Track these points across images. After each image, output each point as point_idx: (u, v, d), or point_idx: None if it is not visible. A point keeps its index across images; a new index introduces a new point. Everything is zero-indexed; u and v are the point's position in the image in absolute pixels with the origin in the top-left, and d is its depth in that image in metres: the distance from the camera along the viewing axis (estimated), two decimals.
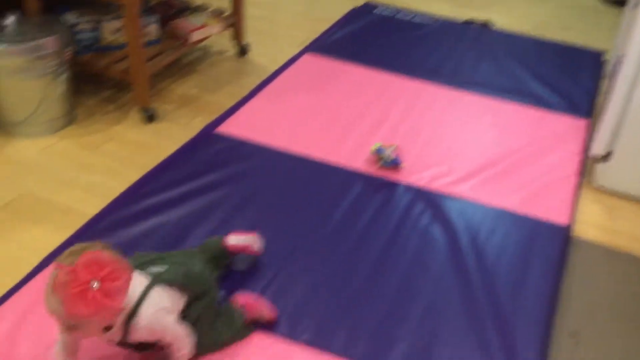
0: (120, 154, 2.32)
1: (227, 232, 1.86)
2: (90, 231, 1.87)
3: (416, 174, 2.19)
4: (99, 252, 1.22)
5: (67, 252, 1.25)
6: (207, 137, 2.35)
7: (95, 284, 1.17)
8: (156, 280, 1.38)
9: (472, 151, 2.35)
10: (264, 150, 2.28)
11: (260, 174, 2.17)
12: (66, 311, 1.19)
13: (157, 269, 1.42)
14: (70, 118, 2.46)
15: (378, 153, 2.20)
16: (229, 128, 2.39)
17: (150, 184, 2.10)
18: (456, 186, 2.14)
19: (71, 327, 1.25)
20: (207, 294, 1.48)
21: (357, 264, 1.80)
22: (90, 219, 1.92)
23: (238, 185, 2.10)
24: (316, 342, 1.54)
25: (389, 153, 2.19)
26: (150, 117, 2.49)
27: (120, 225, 1.90)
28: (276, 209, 2.01)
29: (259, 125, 2.42)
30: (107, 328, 1.28)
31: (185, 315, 1.43)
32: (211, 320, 1.49)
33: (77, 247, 1.26)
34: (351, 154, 2.28)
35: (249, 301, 1.57)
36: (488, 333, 1.60)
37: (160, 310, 1.34)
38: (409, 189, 2.12)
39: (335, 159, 2.25)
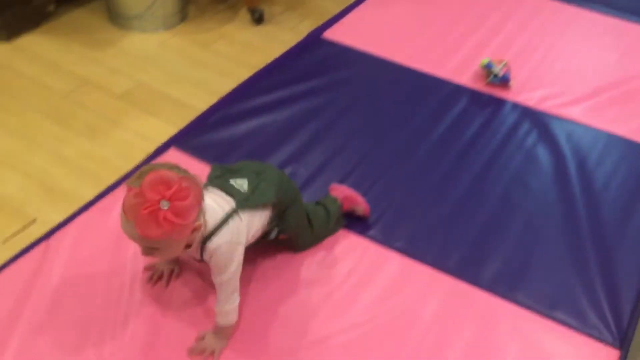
0: (229, 52, 2.38)
1: (331, 134, 1.92)
2: (199, 125, 1.96)
3: (525, 93, 2.12)
4: (164, 171, 1.16)
5: (137, 173, 1.19)
6: (314, 42, 2.35)
7: (165, 204, 1.13)
8: (241, 205, 1.33)
9: (588, 73, 2.23)
10: (369, 58, 2.27)
11: (365, 82, 2.17)
12: (140, 234, 1.14)
13: (239, 180, 1.37)
14: (182, 15, 2.53)
15: (487, 68, 2.13)
16: (335, 34, 2.37)
17: (259, 83, 2.15)
18: (567, 108, 2.05)
19: (150, 249, 1.21)
20: (296, 200, 1.49)
21: (457, 178, 1.80)
22: (201, 114, 2.00)
23: (343, 91, 2.11)
24: (409, 250, 1.58)
25: (498, 69, 2.11)
26: (258, 19, 2.52)
27: (228, 121, 1.97)
28: (379, 117, 2.02)
29: (366, 32, 2.39)
30: (187, 246, 1.25)
31: (281, 228, 1.45)
32: (305, 223, 1.52)
33: (147, 167, 1.20)
34: (458, 68, 2.22)
35: (345, 193, 1.62)
36: (587, 260, 1.58)
37: (234, 243, 1.29)
38: (516, 107, 2.06)
39: (441, 72, 2.20)
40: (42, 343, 1.34)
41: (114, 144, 1.94)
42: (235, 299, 1.33)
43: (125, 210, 1.16)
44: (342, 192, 1.63)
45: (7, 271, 1.48)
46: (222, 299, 1.32)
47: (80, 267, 1.48)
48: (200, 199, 1.20)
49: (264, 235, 1.44)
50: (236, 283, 1.32)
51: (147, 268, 1.47)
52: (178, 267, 1.48)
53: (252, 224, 1.35)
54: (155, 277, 1.45)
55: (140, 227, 1.13)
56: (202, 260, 1.31)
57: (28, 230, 1.66)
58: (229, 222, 1.29)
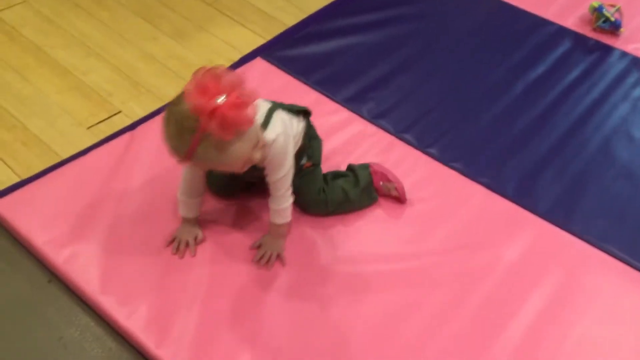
0: None
1: (419, 64, 1.84)
2: (287, 39, 1.91)
3: (636, 42, 1.96)
4: (220, 69, 1.09)
5: (193, 74, 1.11)
6: None
7: (223, 98, 1.05)
8: (276, 105, 1.29)
9: None
10: None
11: (459, 14, 2.06)
12: (205, 129, 1.06)
13: None
14: None
15: (597, 11, 1.98)
16: None
17: (348, 4, 2.07)
18: None
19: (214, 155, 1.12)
20: (318, 137, 1.43)
21: (554, 122, 1.69)
22: (290, 28, 1.95)
23: (436, 20, 2.01)
24: (497, 187, 1.51)
25: (611, 13, 1.96)
26: None
27: (315, 38, 1.91)
28: (472, 52, 1.91)
29: None
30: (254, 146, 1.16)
31: (308, 154, 1.39)
32: (323, 179, 1.43)
33: (202, 68, 1.11)
34: (564, 9, 2.07)
35: (379, 169, 1.47)
36: None
37: (287, 135, 1.25)
38: (625, 56, 1.91)
39: (544, 12, 2.06)
40: (123, 227, 1.35)
41: (200, 47, 1.91)
42: (291, 196, 1.30)
43: (192, 109, 1.07)
44: (377, 166, 1.48)
45: (92, 155, 1.50)
46: (279, 195, 1.29)
47: (161, 161, 1.47)
48: (254, 96, 1.11)
49: (297, 159, 1.35)
50: (290, 179, 1.28)
51: (169, 241, 1.35)
52: (201, 232, 1.36)
53: (291, 125, 1.31)
54: (183, 247, 1.33)
55: (204, 123, 1.05)
56: (256, 168, 1.23)
57: (112, 120, 1.66)
58: (274, 115, 1.25)
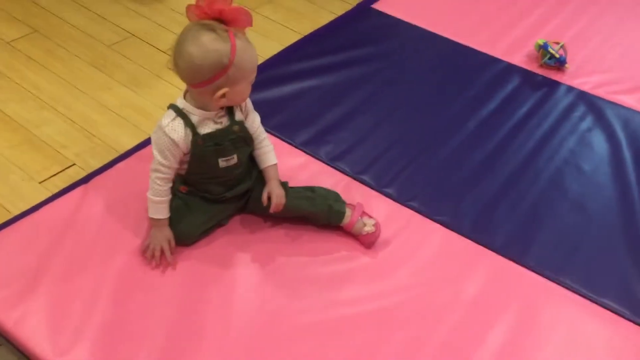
0: (276, 18, 2.33)
1: (374, 106, 1.87)
2: None
3: (581, 77, 2.03)
4: None
5: (206, 31, 1.24)
6: (363, 12, 2.29)
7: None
8: None
9: None
10: (419, 31, 2.20)
11: (412, 56, 2.11)
12: (232, 21, 1.25)
13: None
14: None
15: (542, 49, 2.05)
16: (385, 5, 2.30)
17: (305, 49, 2.10)
18: (625, 95, 1.96)
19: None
20: None
21: (506, 157, 1.73)
22: None
23: (389, 62, 2.05)
24: (454, 225, 1.52)
25: (555, 50, 2.03)
26: None
27: (272, 83, 1.93)
28: (425, 92, 1.95)
29: (417, 5, 2.32)
30: None
31: None
32: None
33: (199, 23, 1.26)
34: (512, 47, 2.14)
35: (359, 206, 1.48)
36: None
37: None
38: (571, 90, 1.97)
39: (493, 50, 2.13)
40: (73, 284, 1.32)
41: (156, 95, 1.91)
42: None
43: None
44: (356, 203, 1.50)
45: (44, 210, 1.46)
46: (265, 137, 1.45)
47: (116, 213, 1.46)
48: None
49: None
50: None
51: (143, 250, 1.37)
52: (172, 237, 1.37)
53: None
54: (158, 254, 1.35)
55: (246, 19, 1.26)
56: (234, 123, 1.36)
57: (66, 173, 1.64)
58: None
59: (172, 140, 1.30)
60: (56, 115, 1.82)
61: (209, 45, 1.23)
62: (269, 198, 1.40)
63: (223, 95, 1.28)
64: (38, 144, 1.72)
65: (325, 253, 1.44)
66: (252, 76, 1.32)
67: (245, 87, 1.33)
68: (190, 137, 1.32)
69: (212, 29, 1.25)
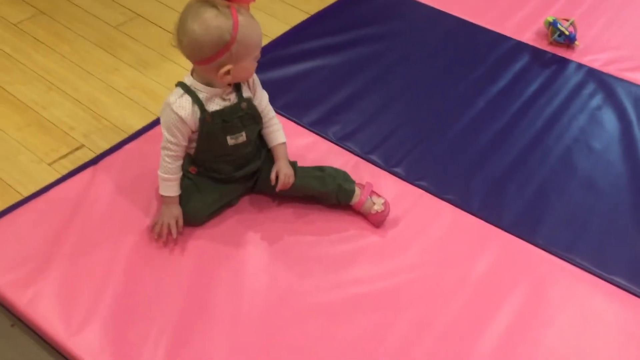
0: None
1: (383, 85, 1.86)
2: None
3: (591, 54, 2.01)
4: None
5: (209, 7, 1.24)
6: None
7: None
8: None
9: None
10: (427, 9, 2.18)
11: (421, 34, 2.09)
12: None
13: None
14: None
15: (552, 26, 2.03)
16: None
17: (311, 28, 2.09)
18: (636, 73, 1.95)
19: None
20: None
21: (515, 135, 1.72)
22: None
23: (397, 41, 2.04)
24: (463, 204, 1.52)
25: (565, 27, 2.01)
26: None
27: (280, 63, 1.92)
28: (434, 70, 1.94)
29: None
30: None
31: None
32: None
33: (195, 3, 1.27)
34: (521, 24, 2.12)
35: (368, 185, 1.48)
36: None
37: None
38: (581, 68, 1.96)
39: (501, 28, 2.11)
40: (84, 264, 1.33)
41: (164, 76, 1.90)
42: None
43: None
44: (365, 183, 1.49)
45: (54, 191, 1.47)
46: (273, 116, 1.45)
47: (126, 193, 1.46)
48: None
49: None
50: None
51: (151, 227, 1.38)
52: (181, 215, 1.38)
53: None
54: (165, 232, 1.36)
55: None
56: (242, 100, 1.36)
57: (75, 154, 1.64)
58: None
59: (180, 117, 1.30)
60: (64, 97, 1.82)
61: (211, 21, 1.23)
62: (277, 177, 1.41)
63: (227, 72, 1.27)
64: (47, 126, 1.72)
65: (335, 232, 1.44)
66: (257, 52, 1.31)
67: (250, 63, 1.31)
68: (198, 114, 1.32)
69: (214, 5, 1.24)
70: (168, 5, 2.21)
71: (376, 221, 1.45)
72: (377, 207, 1.44)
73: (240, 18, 1.24)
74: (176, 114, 1.30)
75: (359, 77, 1.88)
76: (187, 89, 1.32)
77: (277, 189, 1.41)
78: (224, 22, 1.23)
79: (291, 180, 1.41)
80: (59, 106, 1.79)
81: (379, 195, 1.46)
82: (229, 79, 1.29)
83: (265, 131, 1.44)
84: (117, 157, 1.57)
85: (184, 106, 1.31)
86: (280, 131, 1.45)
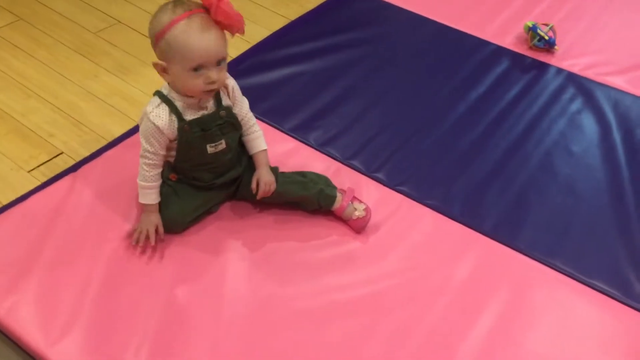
0: (263, 2, 2.31)
1: (363, 90, 1.86)
2: (231, 71, 1.88)
3: (570, 59, 2.03)
4: None
5: (168, 11, 1.24)
6: None
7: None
8: None
9: (638, 43, 2.13)
10: (408, 14, 2.19)
11: (401, 39, 2.10)
12: (230, 28, 1.24)
13: None
14: None
15: (532, 31, 2.05)
16: None
17: (292, 34, 2.09)
18: (614, 77, 1.97)
19: (219, 63, 1.26)
20: None
21: (496, 140, 1.73)
22: (233, 59, 1.95)
23: (378, 46, 2.04)
24: (444, 209, 1.52)
25: (544, 32, 2.03)
26: None
27: (260, 69, 1.92)
28: (414, 75, 1.95)
29: None
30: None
31: None
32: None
33: (169, 4, 1.26)
34: (501, 29, 2.14)
35: (350, 190, 1.48)
36: (632, 228, 1.51)
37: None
38: (561, 72, 1.98)
39: (481, 33, 2.12)
40: (63, 272, 1.31)
41: (144, 82, 1.89)
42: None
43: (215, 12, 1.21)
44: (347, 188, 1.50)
45: (33, 199, 1.45)
46: (254, 123, 1.44)
47: (105, 201, 1.45)
48: None
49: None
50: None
51: (130, 234, 1.38)
52: (161, 223, 1.37)
53: None
54: (143, 237, 1.36)
55: (230, 20, 1.22)
56: (221, 108, 1.35)
57: (54, 162, 1.63)
58: None
59: (157, 126, 1.30)
60: (43, 103, 1.80)
61: (159, 13, 1.26)
62: (258, 185, 1.40)
63: (163, 70, 1.27)
64: (25, 133, 1.71)
65: (316, 238, 1.44)
66: (189, 65, 1.24)
67: (182, 73, 1.26)
68: (176, 124, 1.31)
69: (181, 4, 1.25)
70: (148, 11, 2.19)
71: (357, 227, 1.45)
72: (359, 213, 1.44)
73: (184, 22, 1.22)
74: (153, 123, 1.30)
75: (340, 83, 1.88)
76: (164, 98, 1.31)
77: (258, 197, 1.41)
78: (166, 17, 1.24)
79: (272, 188, 1.41)
80: (37, 113, 1.77)
81: (360, 201, 1.46)
82: (167, 78, 1.29)
83: (245, 138, 1.44)
84: (97, 164, 1.55)
85: (161, 115, 1.30)
86: (261, 138, 1.45)
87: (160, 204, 1.38)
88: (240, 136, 1.43)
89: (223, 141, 1.36)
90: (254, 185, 1.40)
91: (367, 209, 1.44)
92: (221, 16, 1.22)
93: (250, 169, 1.44)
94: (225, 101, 1.37)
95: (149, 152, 1.33)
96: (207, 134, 1.34)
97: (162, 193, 1.38)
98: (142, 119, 1.33)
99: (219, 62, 1.27)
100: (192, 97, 1.31)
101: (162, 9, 1.27)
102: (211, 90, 1.29)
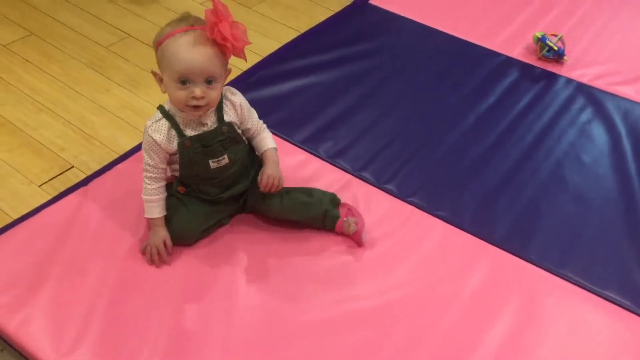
0: (272, 15, 2.33)
1: (374, 101, 1.86)
2: (241, 84, 1.92)
3: (580, 69, 2.03)
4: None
5: (172, 24, 1.28)
6: (360, 7, 2.29)
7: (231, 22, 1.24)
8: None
9: None
10: (417, 26, 2.20)
11: (410, 50, 2.10)
12: (224, 48, 1.24)
13: None
14: None
15: (541, 42, 2.05)
16: (382, 0, 2.30)
17: (302, 45, 2.10)
18: (624, 87, 1.96)
19: (207, 81, 1.26)
20: None
21: (506, 150, 1.72)
22: (243, 72, 1.96)
23: (387, 57, 2.05)
24: (454, 220, 1.52)
25: (554, 42, 2.03)
26: None
27: (270, 81, 1.93)
28: (424, 86, 1.95)
29: (414, 0, 2.32)
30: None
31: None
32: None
33: (177, 17, 1.30)
34: (510, 40, 2.14)
35: (347, 205, 1.49)
36: None
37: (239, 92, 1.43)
38: (570, 82, 1.97)
39: (490, 44, 2.12)
40: (73, 286, 1.31)
41: (155, 96, 1.90)
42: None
43: (209, 28, 1.23)
44: (345, 203, 1.50)
45: (44, 213, 1.46)
46: (264, 127, 1.45)
47: (116, 214, 1.46)
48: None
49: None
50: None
51: (142, 251, 1.38)
52: (168, 237, 1.37)
53: None
54: (155, 254, 1.35)
55: (224, 40, 1.23)
56: (223, 124, 1.35)
57: (66, 175, 1.64)
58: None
59: (154, 140, 1.32)
60: (54, 117, 1.82)
61: (165, 25, 1.30)
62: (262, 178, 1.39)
63: (161, 81, 1.31)
64: (37, 147, 1.72)
65: (326, 250, 1.43)
66: (175, 75, 1.26)
67: (170, 83, 1.28)
68: (176, 139, 1.32)
69: (186, 18, 1.29)
70: (158, 24, 2.21)
71: (356, 241, 1.45)
72: (352, 228, 1.43)
73: (179, 35, 1.26)
74: (151, 137, 1.32)
75: (350, 94, 1.89)
76: (165, 113, 1.33)
77: (261, 189, 1.39)
78: (168, 29, 1.28)
79: (276, 182, 1.40)
80: (49, 127, 1.79)
81: (353, 215, 1.46)
82: (162, 89, 1.32)
83: (254, 141, 1.45)
84: (108, 177, 1.56)
85: (160, 130, 1.32)
86: (269, 138, 1.46)
87: (169, 216, 1.38)
88: (248, 144, 1.44)
89: (226, 156, 1.37)
90: (258, 179, 1.40)
91: (357, 222, 1.44)
92: (216, 35, 1.24)
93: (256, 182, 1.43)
94: (229, 117, 1.37)
95: (149, 165, 1.34)
96: (209, 149, 1.35)
97: (171, 205, 1.39)
98: (143, 133, 1.35)
99: (208, 81, 1.27)
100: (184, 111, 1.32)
101: (170, 22, 1.30)
102: (197, 107, 1.28)
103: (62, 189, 1.57)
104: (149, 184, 1.36)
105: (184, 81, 1.26)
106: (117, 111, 1.86)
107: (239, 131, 1.40)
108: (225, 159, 1.37)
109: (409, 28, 2.20)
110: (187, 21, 1.28)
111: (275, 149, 1.45)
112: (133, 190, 1.50)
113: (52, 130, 1.77)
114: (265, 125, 1.47)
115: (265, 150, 1.44)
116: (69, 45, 2.11)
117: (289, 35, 2.17)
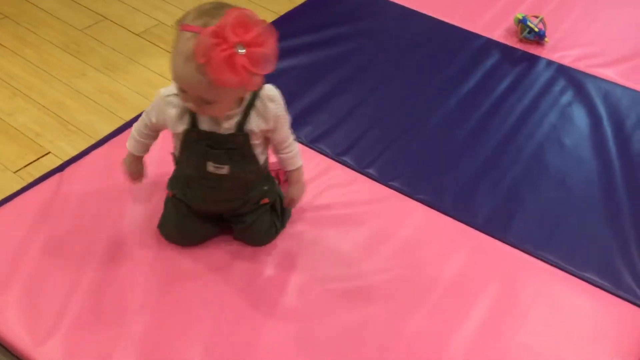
0: None
1: (354, 84, 1.85)
2: None
3: (561, 51, 2.03)
4: (245, 10, 1.01)
5: (194, 12, 1.04)
6: None
7: (241, 49, 0.99)
8: None
9: (628, 34, 2.13)
10: (397, 8, 2.18)
11: (391, 33, 2.09)
12: (211, 78, 1.00)
13: None
14: None
15: (522, 23, 2.04)
16: None
17: (281, 29, 2.03)
18: (605, 69, 1.97)
19: (203, 102, 1.09)
20: None
21: (487, 133, 1.72)
22: None
23: (368, 40, 2.03)
24: (435, 203, 1.51)
25: (534, 24, 2.02)
26: None
27: None
28: (405, 69, 1.94)
29: None
30: (239, 100, 1.15)
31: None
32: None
33: (207, 5, 1.05)
34: (491, 22, 2.13)
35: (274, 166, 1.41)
36: (623, 221, 1.50)
37: (280, 98, 1.23)
38: (551, 64, 1.97)
39: (472, 26, 2.12)
40: (51, 272, 1.29)
41: (132, 80, 1.88)
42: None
43: (196, 50, 0.99)
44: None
45: (19, 200, 1.43)
46: (293, 141, 1.30)
47: (93, 201, 1.43)
48: (275, 51, 1.06)
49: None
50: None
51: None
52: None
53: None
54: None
55: (212, 71, 0.99)
56: (240, 133, 1.18)
57: (41, 161, 1.61)
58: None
59: (163, 112, 1.20)
60: (30, 102, 1.79)
61: (192, 8, 1.09)
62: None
63: None
64: (12, 133, 1.69)
65: (305, 233, 1.42)
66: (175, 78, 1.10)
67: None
68: (184, 126, 1.19)
69: (209, 13, 1.05)
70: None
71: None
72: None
73: (186, 38, 1.04)
74: (163, 107, 1.19)
75: (330, 78, 1.87)
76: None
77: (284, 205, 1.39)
78: (188, 18, 1.06)
79: (296, 205, 1.39)
80: (24, 112, 1.75)
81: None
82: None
83: (278, 156, 1.33)
84: (85, 163, 1.53)
85: (175, 104, 1.18)
86: (297, 157, 1.32)
87: (169, 220, 1.34)
88: (251, 170, 1.28)
89: (226, 167, 1.23)
90: (287, 203, 1.38)
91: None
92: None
93: (255, 213, 1.34)
94: (252, 126, 1.20)
95: (142, 119, 1.25)
96: (212, 152, 1.21)
97: (168, 208, 1.35)
98: (155, 97, 1.21)
99: (205, 101, 1.09)
100: None
101: (199, 6, 1.07)
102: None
103: (38, 175, 1.54)
104: (136, 135, 1.27)
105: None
106: (93, 95, 1.82)
107: (257, 142, 1.23)
108: (224, 169, 1.23)
109: (389, 10, 2.18)
110: (205, 18, 1.03)
111: (301, 166, 1.34)
112: (110, 176, 1.48)
113: (27, 116, 1.74)
114: (293, 137, 1.31)
115: (289, 172, 1.34)
116: (44, 28, 2.06)
117: (268, 19, 2.14)
